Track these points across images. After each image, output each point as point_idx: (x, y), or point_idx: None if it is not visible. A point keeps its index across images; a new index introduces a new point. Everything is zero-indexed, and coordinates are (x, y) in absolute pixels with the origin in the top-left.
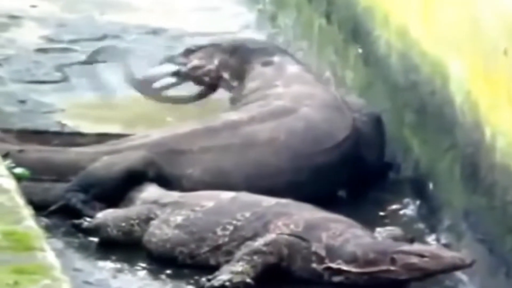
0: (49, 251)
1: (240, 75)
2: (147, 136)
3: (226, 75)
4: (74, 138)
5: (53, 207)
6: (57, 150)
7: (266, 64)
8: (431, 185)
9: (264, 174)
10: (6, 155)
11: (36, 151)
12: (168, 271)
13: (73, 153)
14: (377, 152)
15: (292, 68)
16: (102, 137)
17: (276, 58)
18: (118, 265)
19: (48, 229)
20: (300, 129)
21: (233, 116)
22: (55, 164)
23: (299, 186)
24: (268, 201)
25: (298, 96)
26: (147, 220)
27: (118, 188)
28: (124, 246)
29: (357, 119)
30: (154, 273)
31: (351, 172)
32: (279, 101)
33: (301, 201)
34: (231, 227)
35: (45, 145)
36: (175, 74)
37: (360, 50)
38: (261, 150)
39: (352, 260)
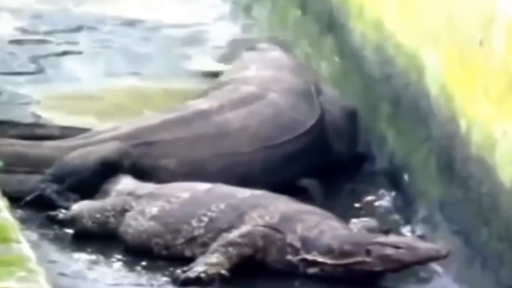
0: (24, 243)
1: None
2: (119, 128)
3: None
4: (35, 129)
5: (28, 198)
6: (30, 144)
7: (250, 49)
8: (406, 177)
9: (238, 163)
10: None
11: (9, 145)
12: (144, 263)
13: (46, 148)
14: (350, 144)
15: (273, 54)
16: (66, 130)
17: (263, 45)
18: (94, 257)
19: (23, 220)
20: (270, 116)
21: (203, 104)
22: (28, 158)
23: (272, 173)
24: (243, 192)
25: (266, 81)
26: (123, 211)
27: (93, 179)
28: (99, 238)
29: (332, 111)
30: (130, 264)
31: (322, 157)
32: (246, 86)
33: (276, 187)
34: (206, 219)
35: (5, 136)
36: None
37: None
38: (233, 138)
39: (327, 251)
